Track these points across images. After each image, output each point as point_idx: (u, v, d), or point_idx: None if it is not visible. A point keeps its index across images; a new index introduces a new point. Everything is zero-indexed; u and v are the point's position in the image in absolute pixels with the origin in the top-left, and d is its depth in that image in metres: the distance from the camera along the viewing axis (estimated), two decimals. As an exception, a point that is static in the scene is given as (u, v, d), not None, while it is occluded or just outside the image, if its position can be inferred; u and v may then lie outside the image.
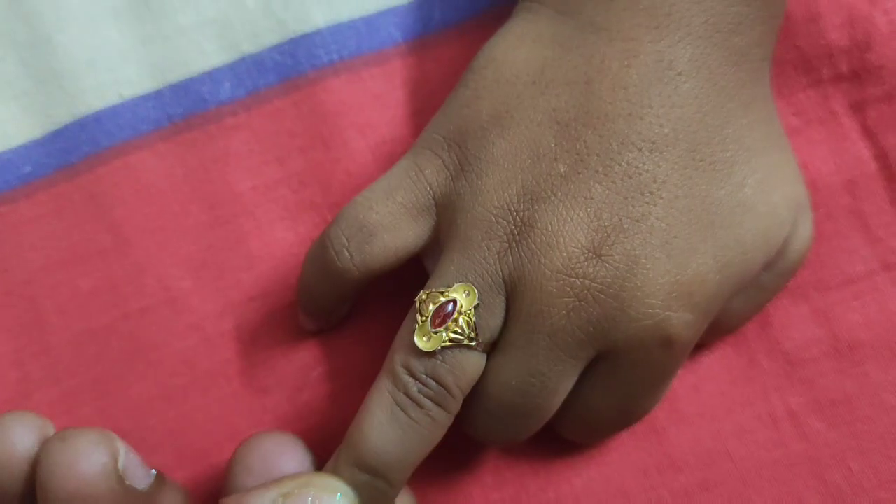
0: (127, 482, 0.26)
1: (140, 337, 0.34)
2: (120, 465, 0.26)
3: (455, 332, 0.27)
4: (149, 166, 0.35)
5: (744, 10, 0.29)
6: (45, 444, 0.26)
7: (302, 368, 0.34)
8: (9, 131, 0.35)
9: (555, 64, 0.29)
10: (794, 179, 0.31)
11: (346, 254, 0.30)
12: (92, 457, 0.26)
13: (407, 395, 0.28)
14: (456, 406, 0.28)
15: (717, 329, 0.31)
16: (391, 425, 0.28)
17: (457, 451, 0.32)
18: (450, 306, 0.28)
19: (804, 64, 0.35)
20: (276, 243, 0.35)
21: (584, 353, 0.28)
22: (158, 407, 0.33)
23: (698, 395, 0.33)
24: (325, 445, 0.33)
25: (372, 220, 0.30)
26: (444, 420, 0.28)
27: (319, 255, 0.31)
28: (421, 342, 0.28)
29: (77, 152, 0.35)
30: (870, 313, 0.33)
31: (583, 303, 0.27)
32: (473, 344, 0.28)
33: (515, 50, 0.30)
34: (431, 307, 0.28)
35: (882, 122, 0.34)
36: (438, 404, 0.28)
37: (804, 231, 0.31)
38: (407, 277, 0.32)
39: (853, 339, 0.33)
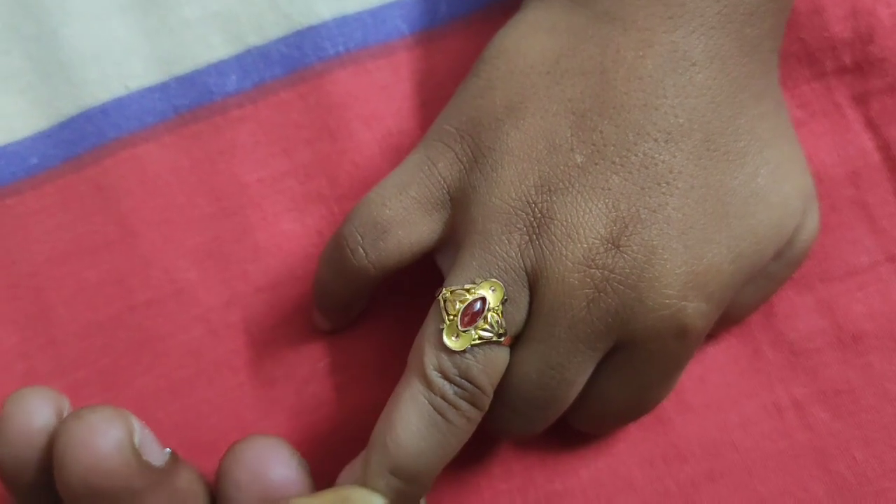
0: (143, 458, 0.26)
1: (146, 329, 0.34)
2: (136, 440, 0.26)
3: (484, 330, 0.27)
4: (155, 158, 0.35)
5: (756, 0, 0.29)
6: (61, 423, 0.26)
7: (309, 360, 0.34)
8: (15, 124, 0.35)
9: (569, 54, 0.29)
10: (803, 170, 0.31)
11: (361, 251, 0.29)
12: (108, 432, 0.25)
13: (444, 398, 0.27)
14: (488, 402, 0.28)
15: (725, 319, 0.32)
16: (429, 430, 0.27)
17: (465, 443, 0.32)
18: (478, 304, 0.27)
19: (808, 56, 0.35)
20: (282, 235, 0.35)
21: (602, 345, 0.28)
22: (165, 398, 0.33)
23: (704, 385, 0.33)
24: (333, 437, 0.33)
25: (385, 217, 0.29)
26: (477, 418, 0.28)
27: (334, 253, 0.30)
28: (450, 341, 0.27)
29: (83, 144, 0.35)
30: (873, 304, 0.34)
31: (602, 294, 0.27)
32: (503, 340, 0.27)
33: (528, 39, 0.30)
34: (459, 305, 0.27)
35: (885, 113, 0.35)
36: (473, 404, 0.27)
37: (812, 221, 0.31)
38: (413, 270, 0.32)
39: (857, 329, 0.33)
